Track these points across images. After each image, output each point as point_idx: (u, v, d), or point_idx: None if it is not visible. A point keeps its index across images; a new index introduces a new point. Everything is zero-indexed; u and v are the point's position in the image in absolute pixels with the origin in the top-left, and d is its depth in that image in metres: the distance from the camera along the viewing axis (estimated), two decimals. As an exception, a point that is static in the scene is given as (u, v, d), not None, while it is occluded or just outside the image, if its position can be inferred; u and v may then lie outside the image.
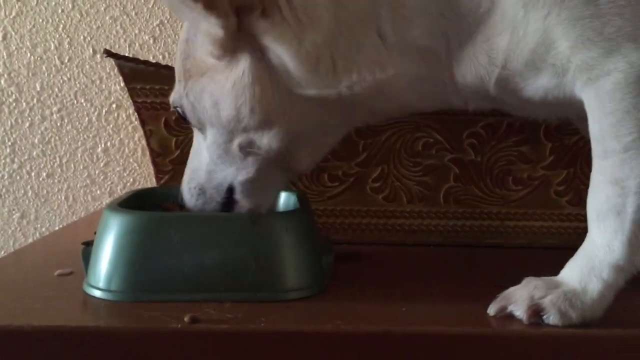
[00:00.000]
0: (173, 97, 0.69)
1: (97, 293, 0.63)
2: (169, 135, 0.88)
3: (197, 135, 0.71)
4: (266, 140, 0.64)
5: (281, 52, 0.61)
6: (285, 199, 0.78)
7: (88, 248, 0.67)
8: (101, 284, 0.63)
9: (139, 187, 1.17)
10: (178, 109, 0.69)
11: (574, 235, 0.88)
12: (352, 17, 0.61)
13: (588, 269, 0.58)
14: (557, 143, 0.87)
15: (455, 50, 0.62)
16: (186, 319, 0.56)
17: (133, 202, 0.71)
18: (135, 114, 0.90)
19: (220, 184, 0.68)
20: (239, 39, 0.62)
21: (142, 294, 0.62)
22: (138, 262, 0.62)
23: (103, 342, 0.55)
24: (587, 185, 0.86)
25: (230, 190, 0.68)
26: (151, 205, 0.74)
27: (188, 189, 0.70)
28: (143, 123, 0.87)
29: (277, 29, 0.61)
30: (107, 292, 0.62)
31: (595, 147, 0.59)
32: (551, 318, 0.56)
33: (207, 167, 0.69)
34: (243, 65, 0.62)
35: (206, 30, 0.62)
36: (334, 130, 0.71)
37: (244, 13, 0.61)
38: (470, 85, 0.64)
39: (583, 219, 0.86)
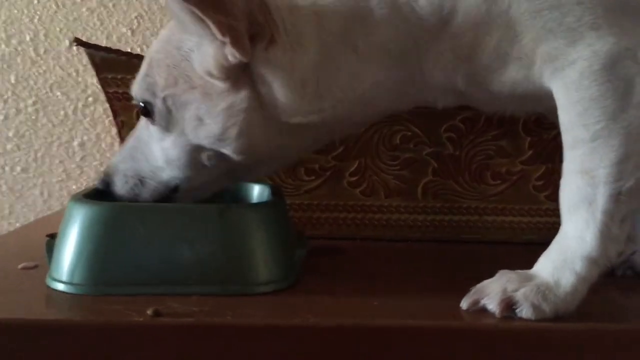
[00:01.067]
0: (141, 92, 0.67)
1: (60, 286, 0.61)
2: (141, 127, 0.86)
3: (146, 127, 0.68)
4: (240, 158, 0.64)
5: (273, 80, 0.61)
6: (259, 192, 0.77)
7: (52, 240, 0.65)
8: (64, 277, 0.61)
9: (116, 181, 1.15)
10: (144, 104, 0.67)
11: (552, 231, 0.84)
12: (332, 38, 0.62)
13: (561, 261, 0.57)
14: (536, 137, 0.86)
15: (423, 51, 0.63)
16: (149, 312, 0.54)
17: (100, 194, 0.69)
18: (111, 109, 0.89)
19: (168, 182, 0.67)
20: (243, 68, 0.61)
21: (106, 287, 0.60)
22: (102, 254, 0.61)
23: (63, 336, 0.54)
24: None
25: (175, 189, 0.68)
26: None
27: (123, 175, 0.68)
28: (115, 114, 0.86)
29: (275, 57, 0.61)
30: (70, 285, 0.61)
31: (565, 137, 0.59)
32: (524, 312, 0.55)
33: (157, 163, 0.67)
34: (243, 94, 0.61)
35: (214, 53, 0.60)
36: (311, 147, 0.73)
37: (252, 43, 0.60)
38: (438, 82, 0.64)
39: (561, 214, 0.87)
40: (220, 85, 0.62)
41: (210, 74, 0.61)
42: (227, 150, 0.64)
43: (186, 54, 0.63)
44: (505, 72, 0.61)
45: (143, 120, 0.69)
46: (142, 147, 0.68)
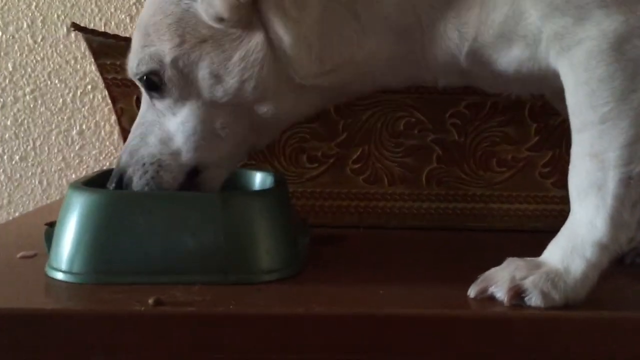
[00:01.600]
0: (142, 64, 0.63)
1: (59, 275, 0.60)
2: (141, 114, 0.85)
3: (151, 108, 0.66)
4: (260, 112, 0.63)
5: (284, 33, 0.60)
6: (261, 179, 0.76)
7: (51, 229, 0.64)
8: (63, 265, 0.60)
9: (115, 170, 1.14)
10: (152, 76, 0.63)
11: (559, 218, 0.83)
12: (334, 2, 0.61)
13: (570, 248, 0.56)
14: (542, 123, 0.85)
15: (427, 27, 0.61)
16: (150, 301, 0.53)
17: (99, 182, 0.68)
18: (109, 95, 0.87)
19: (188, 162, 0.65)
20: (253, 10, 0.59)
21: (106, 276, 0.59)
22: (102, 243, 0.59)
23: (64, 325, 0.53)
24: None
25: (196, 170, 0.66)
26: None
27: (140, 165, 0.64)
28: (114, 101, 0.84)
29: (283, 4, 0.59)
30: (70, 274, 0.60)
31: (572, 120, 0.57)
32: (533, 299, 0.54)
33: (174, 144, 0.64)
34: (257, 38, 0.60)
35: None
36: (308, 111, 0.70)
37: None
38: (440, 60, 0.63)
39: (568, 201, 0.85)
40: (232, 31, 0.60)
41: (220, 19, 0.59)
42: (244, 100, 0.62)
43: (187, 5, 0.61)
44: (510, 51, 0.59)
45: (145, 103, 0.66)
46: (153, 129, 0.65)
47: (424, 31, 0.61)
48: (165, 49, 0.62)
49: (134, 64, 0.64)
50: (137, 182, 0.64)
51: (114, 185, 0.65)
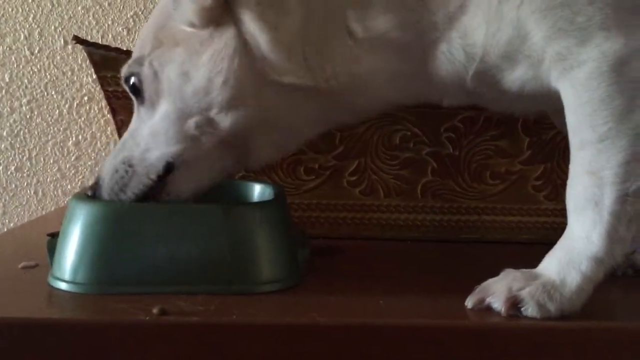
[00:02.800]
0: (129, 65, 0.65)
1: (63, 285, 0.61)
2: (141, 126, 0.85)
3: (137, 115, 0.67)
4: (229, 121, 0.62)
5: (258, 34, 0.60)
6: (260, 191, 0.76)
7: (53, 239, 0.64)
8: (67, 276, 0.61)
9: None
10: (133, 78, 0.65)
11: (551, 231, 0.88)
12: (320, 14, 0.61)
13: (567, 261, 0.57)
14: (535, 137, 0.87)
15: (429, 47, 0.62)
16: (155, 311, 0.54)
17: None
18: (108, 105, 0.88)
19: (158, 160, 0.64)
20: (224, 10, 0.60)
21: (110, 286, 0.59)
22: (106, 253, 0.60)
23: (68, 335, 0.53)
24: (564, 181, 0.86)
25: (167, 170, 0.64)
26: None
27: (113, 168, 0.64)
28: (114, 112, 0.85)
29: (257, 8, 0.60)
30: (73, 284, 0.60)
31: (572, 138, 0.59)
32: (529, 310, 0.55)
33: (146, 145, 0.64)
34: (226, 37, 0.61)
35: None
36: (307, 125, 0.69)
37: None
38: (445, 80, 0.64)
39: (560, 214, 0.87)
40: (203, 33, 0.61)
41: (192, 24, 0.61)
42: (214, 112, 0.61)
43: (169, 14, 0.63)
44: (514, 71, 0.61)
45: (134, 114, 0.67)
46: (133, 135, 0.66)
47: (426, 50, 0.62)
48: (145, 52, 0.64)
49: (125, 68, 0.66)
50: (107, 184, 0.64)
51: (92, 193, 0.66)
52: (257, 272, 0.62)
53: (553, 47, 0.57)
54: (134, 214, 0.61)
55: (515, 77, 0.61)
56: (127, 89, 0.67)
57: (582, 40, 0.56)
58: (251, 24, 0.60)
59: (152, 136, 0.64)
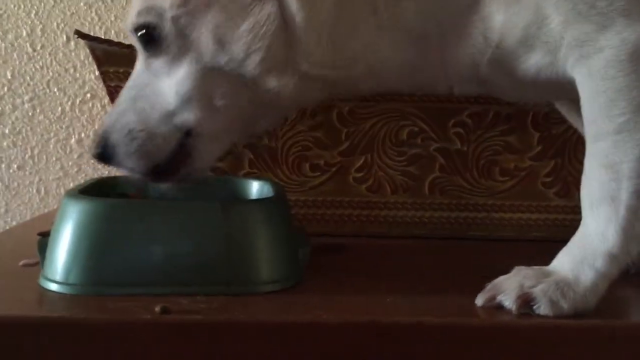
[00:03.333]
0: (140, 13, 0.59)
1: (54, 286, 0.58)
2: (143, 122, 0.84)
3: (145, 68, 0.61)
4: (257, 91, 0.60)
5: (295, 10, 0.57)
6: (258, 188, 0.75)
7: (44, 239, 0.62)
8: (58, 276, 0.58)
9: (114, 179, 1.13)
10: (148, 29, 0.59)
11: (561, 228, 0.86)
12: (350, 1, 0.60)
13: (581, 257, 0.55)
14: (545, 132, 0.85)
15: (448, 33, 0.61)
16: (157, 309, 0.52)
17: (95, 190, 0.67)
18: (110, 101, 0.87)
19: (181, 125, 0.60)
20: None
21: (104, 287, 0.57)
22: (99, 252, 0.58)
23: (69, 334, 0.52)
24: (575, 177, 0.86)
25: (187, 134, 0.60)
26: (115, 194, 0.70)
27: (126, 131, 0.59)
28: (116, 108, 0.84)
29: None
30: (65, 285, 0.58)
31: (587, 130, 0.57)
32: (542, 308, 0.54)
33: (168, 105, 0.59)
34: (269, 9, 0.58)
35: None
36: (312, 101, 0.69)
37: None
38: (460, 67, 0.62)
39: (570, 211, 0.86)
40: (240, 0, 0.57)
41: None
42: (245, 81, 0.59)
43: None
44: (530, 57, 0.59)
45: (139, 64, 0.63)
46: (145, 92, 0.61)
47: (444, 37, 0.61)
48: (165, 5, 0.58)
49: (133, 14, 0.60)
50: (124, 151, 0.60)
51: (99, 150, 0.60)
52: (256, 272, 0.60)
53: (571, 32, 0.56)
54: (128, 212, 0.59)
55: (531, 64, 0.59)
56: (134, 37, 0.61)
57: (602, 26, 0.54)
58: (293, 6, 0.57)
59: (174, 96, 0.59)
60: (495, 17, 0.58)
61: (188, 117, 0.60)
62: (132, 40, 0.62)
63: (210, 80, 0.59)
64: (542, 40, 0.58)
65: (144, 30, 0.59)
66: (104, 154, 0.60)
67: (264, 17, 0.58)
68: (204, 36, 0.58)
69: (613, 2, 0.54)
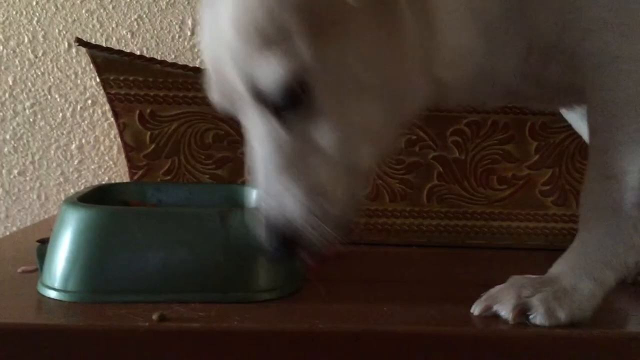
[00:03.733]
0: (279, 69, 0.47)
1: (52, 294, 0.58)
2: (143, 129, 0.85)
3: (279, 133, 0.50)
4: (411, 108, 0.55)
5: (434, 19, 0.52)
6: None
7: (43, 246, 0.62)
8: (57, 284, 0.59)
9: (114, 185, 1.13)
10: (294, 85, 0.48)
11: (559, 236, 0.86)
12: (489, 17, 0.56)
13: (579, 266, 0.55)
14: (543, 141, 0.86)
15: (498, 45, 0.57)
16: (154, 317, 0.53)
17: (95, 197, 0.67)
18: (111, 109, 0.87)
19: (367, 161, 0.53)
20: None
21: (102, 295, 0.57)
22: (98, 260, 0.58)
23: (66, 342, 0.52)
24: (572, 186, 0.86)
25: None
26: (115, 202, 0.70)
27: (301, 204, 0.50)
28: (116, 116, 0.84)
29: None
30: (64, 292, 0.58)
31: (593, 139, 0.57)
32: (538, 318, 0.54)
33: (341, 153, 0.50)
34: (405, 17, 0.50)
35: None
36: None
37: None
38: (503, 78, 0.59)
39: (568, 219, 0.86)
40: (375, 12, 0.49)
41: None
42: (402, 100, 0.53)
43: None
44: (552, 64, 0.58)
45: (260, 125, 0.51)
46: (302, 156, 0.51)
47: (492, 50, 0.57)
48: (300, 43, 0.47)
49: (253, 79, 0.48)
50: (312, 232, 0.51)
51: (283, 250, 0.52)
52: (254, 280, 0.60)
53: (592, 40, 0.55)
54: (126, 219, 0.59)
55: (552, 70, 0.59)
56: (277, 100, 0.49)
57: (621, 35, 0.54)
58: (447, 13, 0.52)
59: (342, 144, 0.50)
60: (530, 25, 0.56)
61: (370, 153, 0.53)
62: (248, 99, 0.51)
63: (379, 110, 0.52)
64: (563, 46, 0.56)
65: (285, 90, 0.49)
66: (287, 247, 0.52)
67: (404, 30, 0.51)
68: (354, 67, 0.50)
69: (634, 12, 0.54)
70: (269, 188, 0.51)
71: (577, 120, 0.77)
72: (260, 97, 0.49)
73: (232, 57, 0.49)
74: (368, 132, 0.52)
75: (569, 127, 0.83)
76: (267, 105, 0.50)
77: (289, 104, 0.49)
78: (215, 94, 0.54)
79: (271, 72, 0.48)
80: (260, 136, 0.52)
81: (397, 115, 0.54)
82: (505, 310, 0.55)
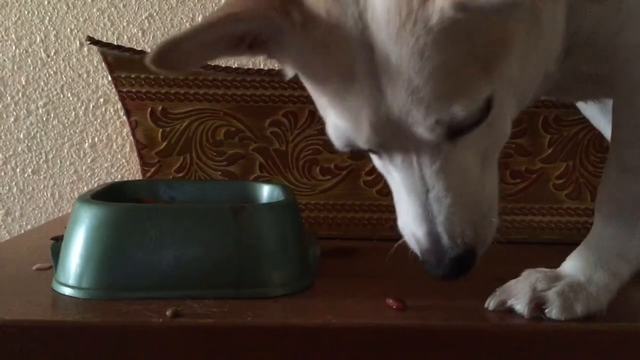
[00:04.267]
0: (463, 108, 0.45)
1: (67, 291, 0.59)
2: (155, 127, 0.85)
3: (457, 146, 0.49)
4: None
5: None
6: (269, 192, 0.75)
7: (57, 243, 0.63)
8: (71, 281, 0.59)
9: (127, 183, 1.14)
10: (469, 117, 0.46)
11: (573, 230, 0.86)
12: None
13: (594, 259, 0.55)
14: (556, 135, 0.85)
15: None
16: (168, 313, 0.53)
17: (108, 195, 0.67)
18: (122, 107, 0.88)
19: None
20: None
21: (116, 291, 0.58)
22: (111, 257, 0.58)
23: (80, 338, 0.53)
24: (586, 179, 0.85)
25: None
26: (128, 199, 0.70)
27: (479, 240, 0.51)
28: (128, 113, 0.85)
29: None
30: (78, 289, 0.58)
31: (614, 133, 0.57)
32: (554, 312, 0.54)
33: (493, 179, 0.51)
34: (547, 16, 0.50)
35: None
36: None
37: None
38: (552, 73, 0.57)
39: (583, 213, 0.85)
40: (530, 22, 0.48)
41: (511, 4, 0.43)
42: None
43: (479, 21, 0.44)
44: (589, 58, 0.58)
45: (442, 163, 0.49)
46: (468, 182, 0.50)
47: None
48: (476, 78, 0.45)
49: (436, 122, 0.46)
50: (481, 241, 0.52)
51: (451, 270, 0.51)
52: (267, 276, 0.60)
53: (625, 34, 0.54)
54: (139, 217, 0.59)
55: (590, 65, 0.58)
56: (468, 123, 0.47)
57: None
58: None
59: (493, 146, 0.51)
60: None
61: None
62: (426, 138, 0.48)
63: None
64: (600, 41, 0.56)
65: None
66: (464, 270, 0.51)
67: (550, 28, 0.52)
68: (518, 79, 0.50)
69: None
70: (450, 217, 0.51)
71: (596, 114, 0.76)
72: (447, 132, 0.47)
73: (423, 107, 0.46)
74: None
75: (583, 119, 0.82)
76: (448, 135, 0.48)
77: (474, 124, 0.48)
78: (362, 137, 0.52)
79: (468, 105, 0.46)
80: (436, 168, 0.50)
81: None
82: (520, 305, 0.55)
